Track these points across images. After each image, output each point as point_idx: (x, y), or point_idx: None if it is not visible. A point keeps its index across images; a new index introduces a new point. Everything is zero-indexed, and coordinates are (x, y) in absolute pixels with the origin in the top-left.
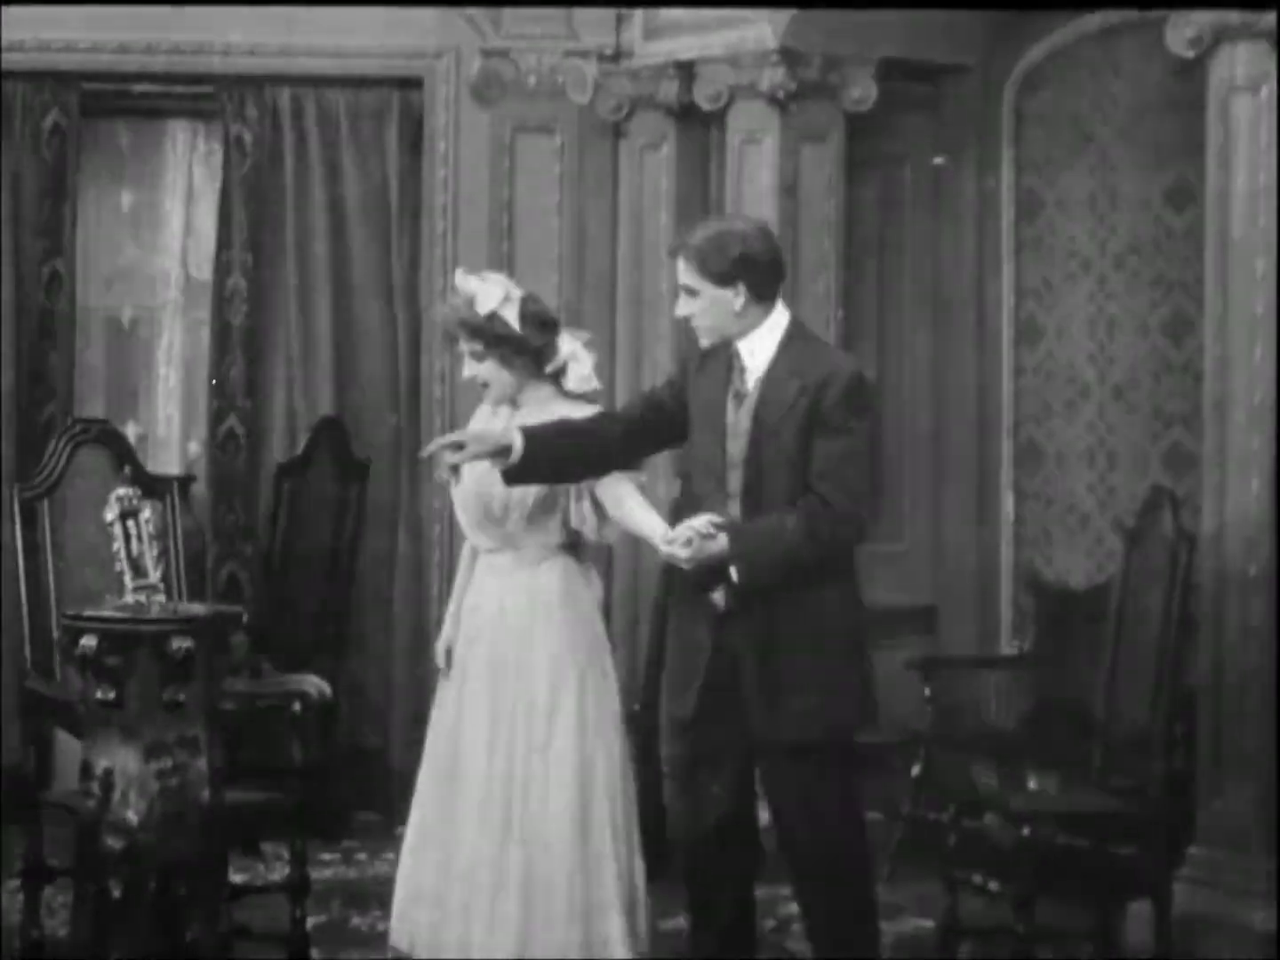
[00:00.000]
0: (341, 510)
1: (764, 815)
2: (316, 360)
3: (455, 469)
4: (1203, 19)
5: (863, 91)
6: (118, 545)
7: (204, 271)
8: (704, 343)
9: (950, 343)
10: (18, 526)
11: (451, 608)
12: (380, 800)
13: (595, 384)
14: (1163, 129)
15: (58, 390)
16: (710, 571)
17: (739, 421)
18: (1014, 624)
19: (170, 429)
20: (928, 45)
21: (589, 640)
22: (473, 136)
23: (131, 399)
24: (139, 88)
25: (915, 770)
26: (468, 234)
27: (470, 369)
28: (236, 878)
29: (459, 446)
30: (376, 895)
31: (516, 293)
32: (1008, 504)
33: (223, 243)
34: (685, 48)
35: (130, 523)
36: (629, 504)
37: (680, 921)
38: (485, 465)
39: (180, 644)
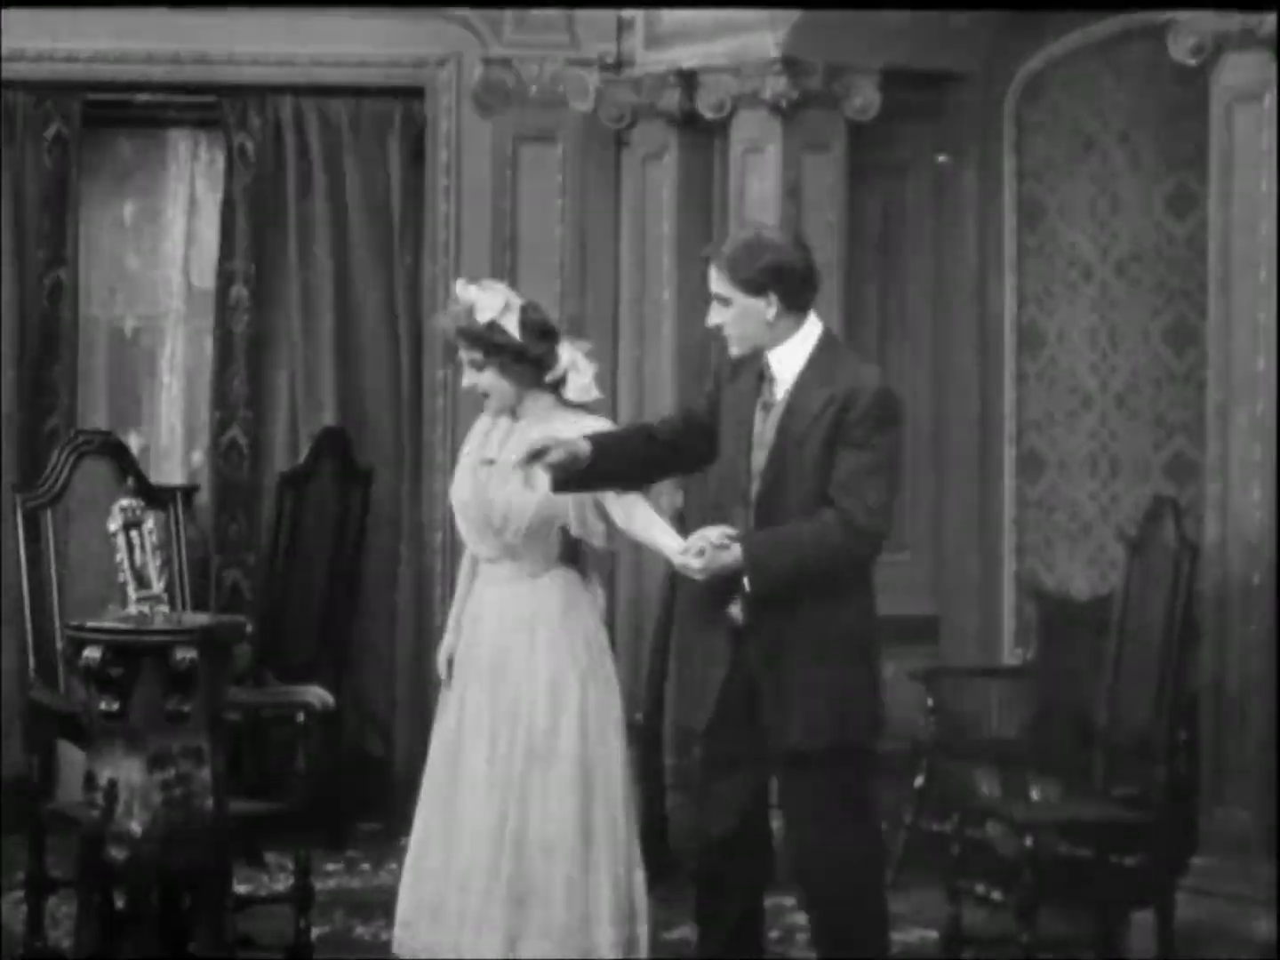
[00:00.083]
0: (344, 520)
1: (776, 825)
2: (319, 370)
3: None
4: (1205, 27)
5: (865, 100)
6: (121, 556)
7: (206, 281)
8: (734, 352)
9: (952, 350)
10: (21, 537)
11: (452, 617)
12: (384, 810)
13: (596, 394)
14: (1164, 136)
15: (61, 400)
16: (725, 583)
17: (765, 432)
18: (1016, 633)
19: (173, 439)
20: (930, 54)
21: (590, 650)
22: (475, 145)
23: (134, 408)
24: (141, 98)
25: (918, 780)
26: (470, 243)
27: (470, 378)
28: (240, 888)
29: (541, 453)
30: (380, 905)
31: (516, 301)
32: (1009, 512)
33: (225, 252)
34: (687, 56)
35: (134, 533)
36: (639, 515)
37: (684, 931)
38: (485, 473)
39: (184, 654)
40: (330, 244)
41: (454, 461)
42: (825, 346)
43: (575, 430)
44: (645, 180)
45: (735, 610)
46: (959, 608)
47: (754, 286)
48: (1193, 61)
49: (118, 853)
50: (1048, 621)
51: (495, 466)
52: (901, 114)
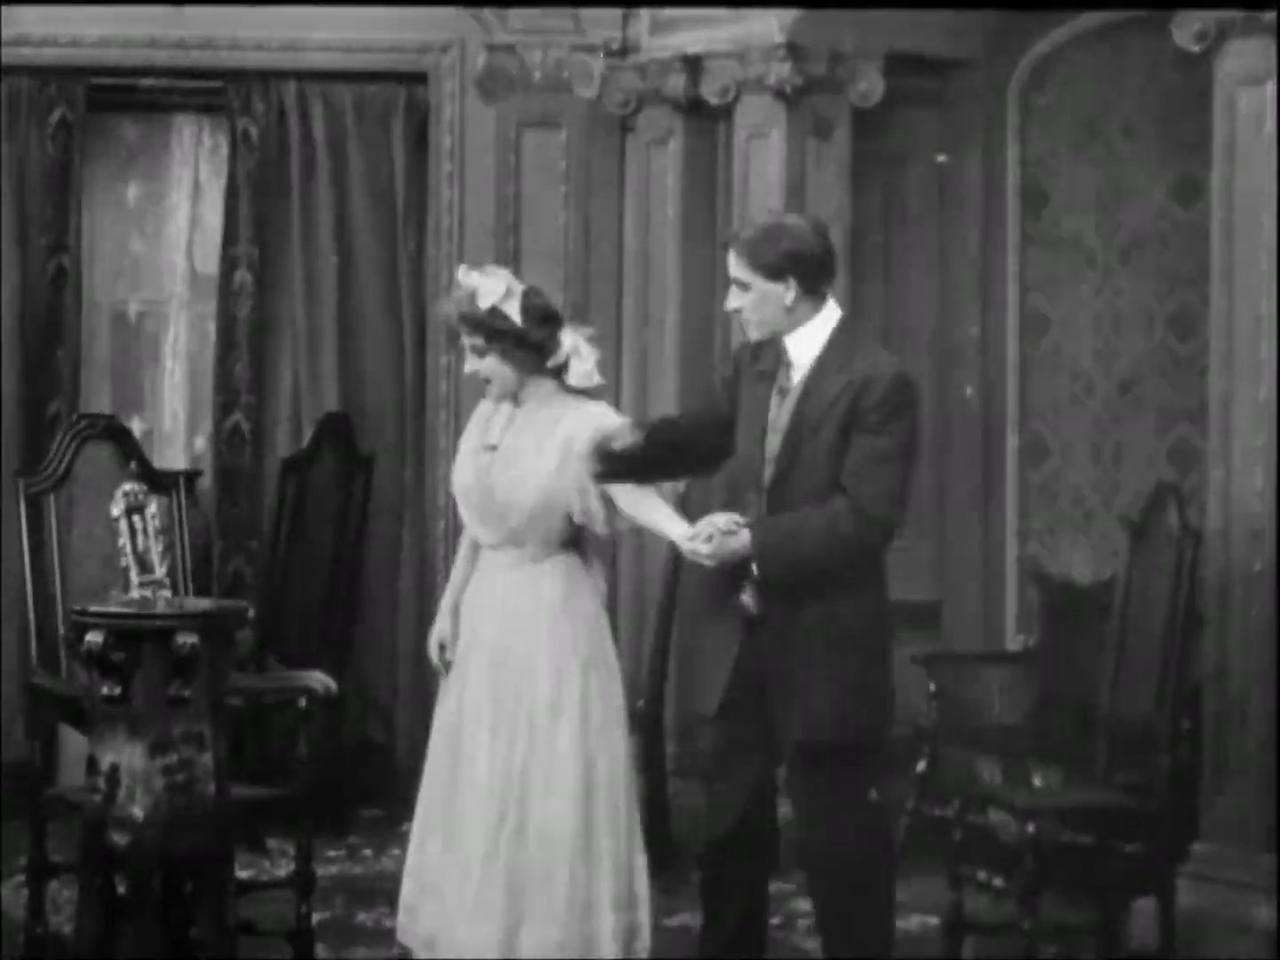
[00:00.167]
0: (347, 505)
1: (783, 811)
2: (322, 355)
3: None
4: (1208, 14)
5: (869, 86)
6: (123, 540)
7: (210, 266)
8: (753, 336)
9: (955, 336)
10: (23, 522)
11: (446, 600)
12: (386, 796)
13: (598, 379)
14: (1168, 124)
15: (63, 385)
16: (735, 571)
17: (780, 417)
18: (1018, 619)
19: (176, 424)
20: (934, 40)
21: (592, 637)
22: (479, 131)
23: (137, 393)
24: (145, 83)
25: (920, 766)
26: (473, 228)
27: (472, 364)
28: (242, 874)
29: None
30: (382, 891)
31: (518, 287)
32: (1012, 498)
33: (229, 237)
34: (692, 42)
35: (136, 518)
36: (646, 501)
37: (684, 919)
38: (488, 459)
39: (186, 639)
40: (334, 230)
41: (456, 448)
42: (843, 332)
43: (579, 416)
44: (650, 166)
45: (746, 598)
46: (961, 593)
47: (773, 271)
48: (1196, 48)
49: (119, 838)
50: (1050, 607)
51: (497, 452)
52: (905, 100)
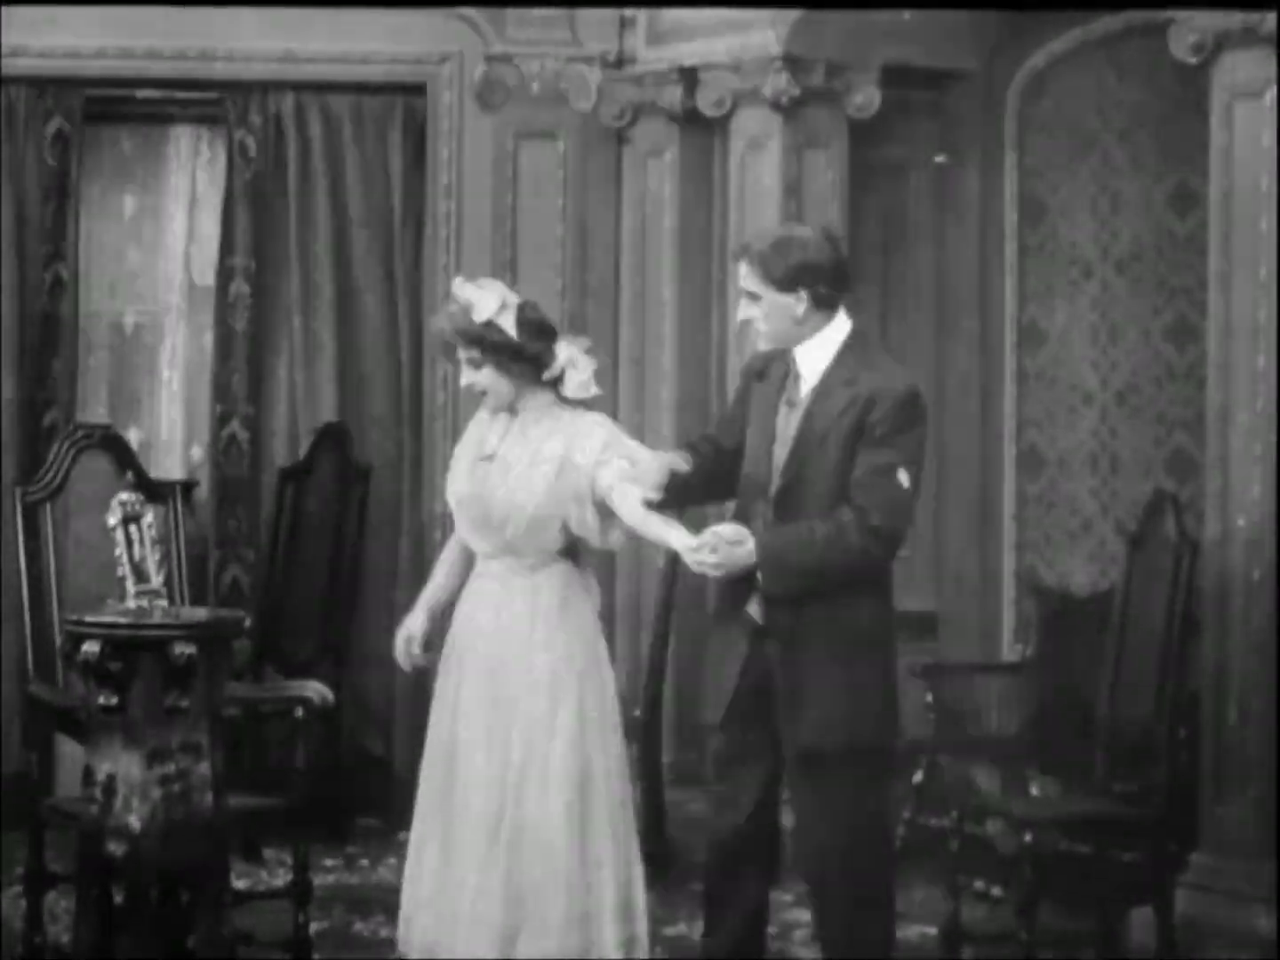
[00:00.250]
0: (344, 516)
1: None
2: (319, 366)
3: None
4: (1205, 25)
5: (866, 98)
6: (120, 550)
7: (207, 277)
8: (763, 347)
9: (953, 347)
10: (20, 531)
11: (422, 599)
12: (382, 806)
13: (594, 390)
14: (1165, 134)
15: (60, 395)
16: (743, 581)
17: (787, 428)
18: (1016, 629)
19: (173, 434)
20: (931, 51)
21: (588, 647)
22: (476, 142)
23: (134, 404)
24: (142, 93)
25: (917, 776)
26: (471, 240)
27: (468, 377)
28: (239, 883)
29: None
30: (379, 901)
31: (513, 299)
32: (1010, 508)
33: (226, 248)
34: (689, 54)
35: (132, 528)
36: (649, 513)
37: (682, 929)
38: (485, 469)
39: (182, 649)
40: (331, 240)
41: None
42: (853, 345)
43: (577, 427)
44: (646, 177)
45: (753, 609)
46: (959, 603)
47: (784, 283)
48: (1193, 60)
49: (116, 848)
50: (1048, 617)
51: (495, 462)
52: (902, 112)
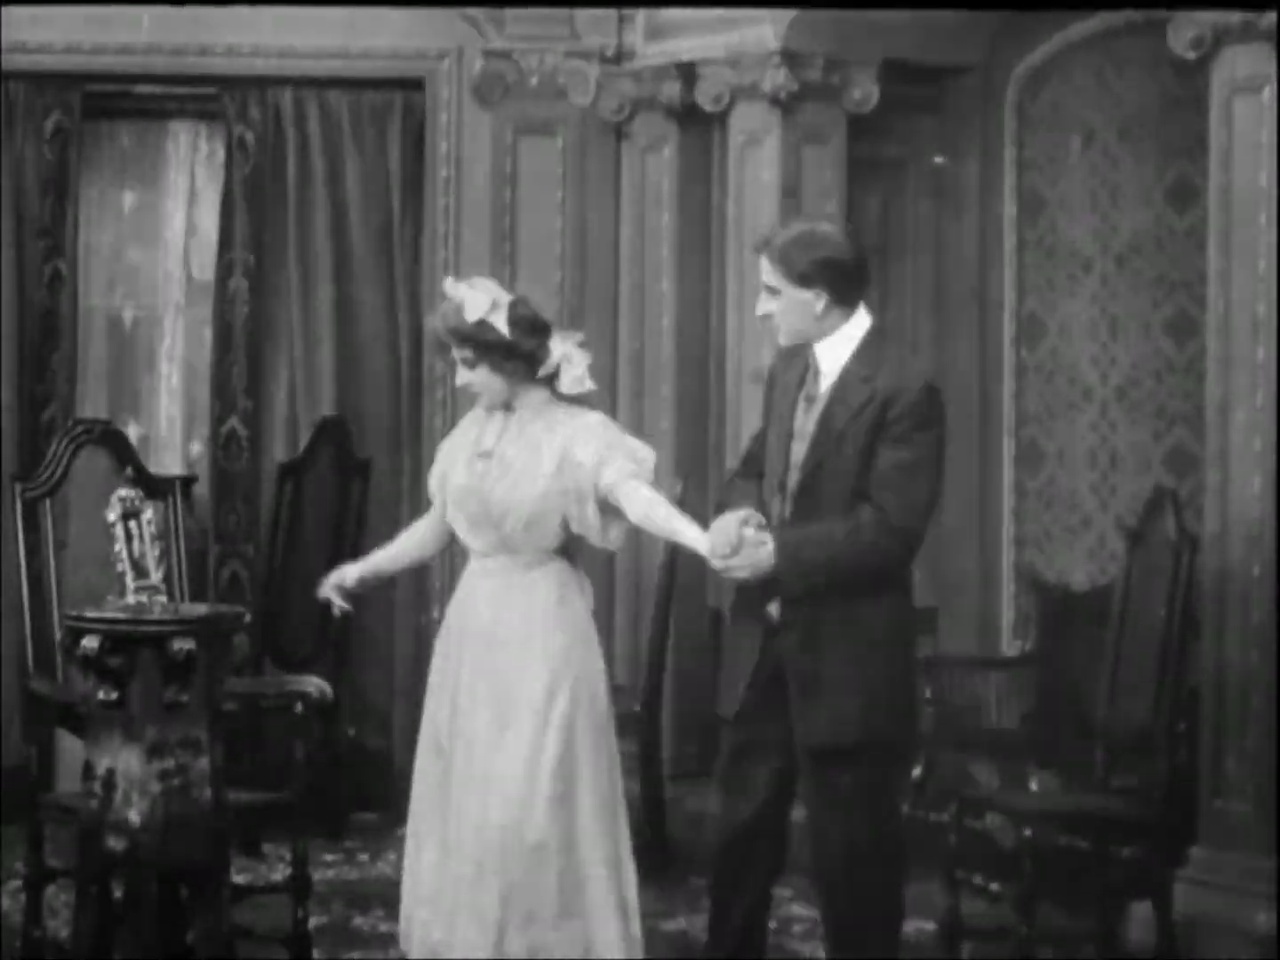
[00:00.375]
0: (343, 510)
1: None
2: (318, 360)
3: None
4: (1205, 20)
5: (864, 93)
6: (119, 546)
7: (206, 272)
8: (783, 342)
9: (952, 342)
10: (19, 527)
11: (372, 557)
12: (382, 801)
13: (589, 385)
14: (1164, 129)
15: (59, 390)
16: (764, 582)
17: (806, 424)
18: (1015, 624)
19: (172, 429)
20: (930, 46)
21: (582, 644)
22: (475, 138)
23: (133, 399)
24: (141, 89)
25: (916, 770)
26: (469, 234)
27: (463, 376)
28: (238, 878)
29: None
30: (378, 896)
31: (505, 298)
32: (1009, 503)
33: (225, 243)
34: (687, 49)
35: (132, 523)
36: (659, 509)
37: (682, 923)
38: (483, 466)
39: (182, 644)
40: (330, 235)
41: None
42: (872, 341)
43: (577, 428)
44: (645, 172)
45: (772, 607)
46: (958, 598)
47: (804, 279)
48: (1192, 55)
49: (116, 843)
50: (1047, 613)
51: (493, 459)
52: (901, 107)
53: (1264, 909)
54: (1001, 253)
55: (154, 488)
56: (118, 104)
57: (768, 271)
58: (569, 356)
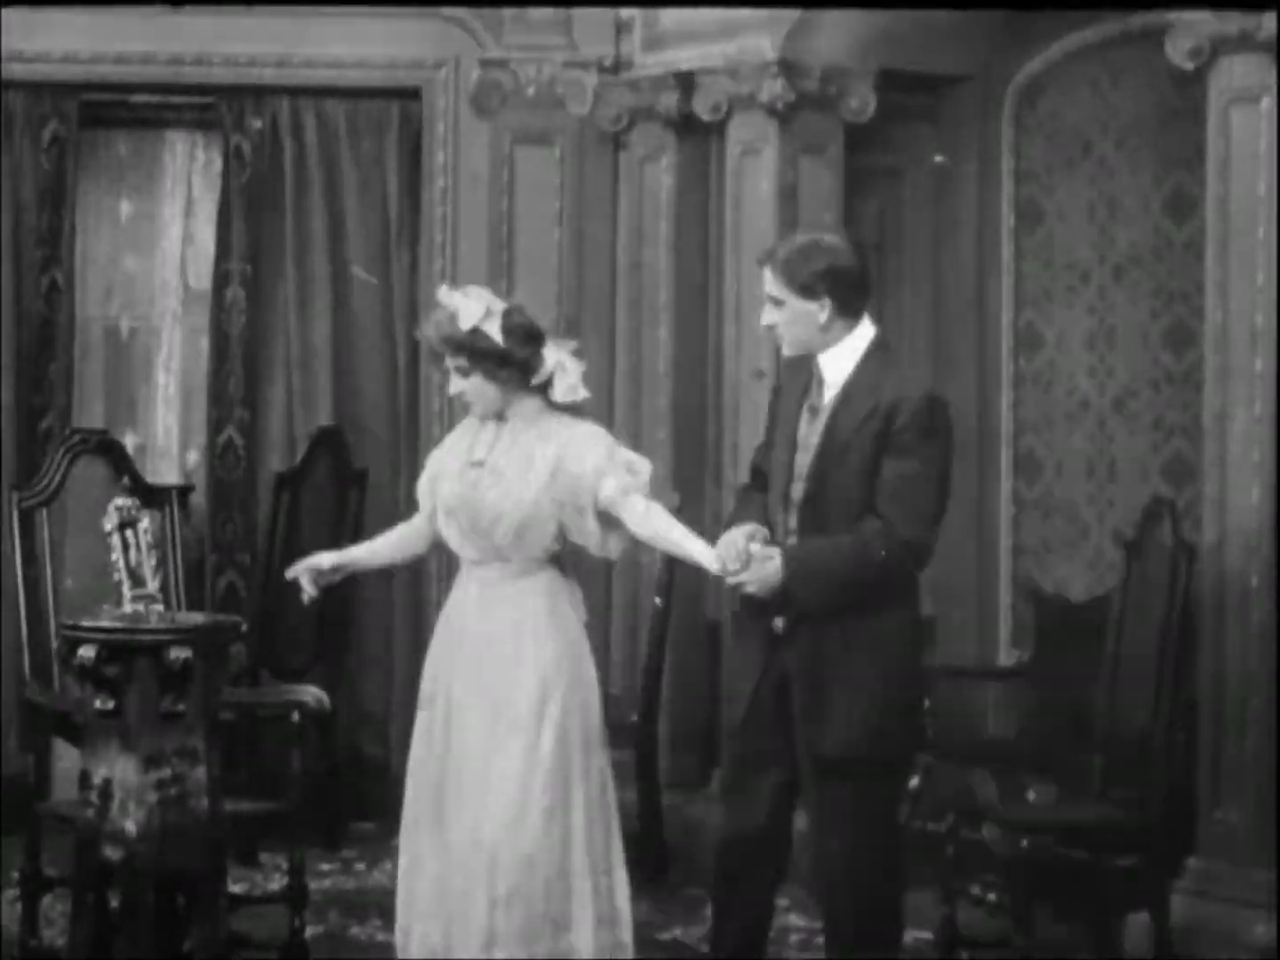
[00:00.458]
0: (340, 520)
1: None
2: (315, 370)
3: None
4: (1202, 30)
5: (862, 102)
6: (116, 555)
7: (203, 282)
8: (786, 353)
9: (949, 352)
10: (16, 536)
11: (353, 549)
12: (379, 810)
13: (583, 393)
14: (1162, 139)
15: (56, 400)
16: (771, 598)
17: (810, 435)
18: (1013, 634)
19: (169, 439)
20: (927, 56)
21: (574, 653)
22: (472, 147)
23: (130, 409)
24: (138, 98)
25: (914, 780)
26: (467, 244)
27: (456, 385)
28: (235, 887)
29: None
30: (375, 905)
31: (499, 306)
32: (1006, 514)
33: (222, 253)
34: (685, 59)
35: (129, 532)
36: (659, 521)
37: (678, 932)
38: (475, 475)
39: (179, 654)
40: (327, 245)
41: None
42: (876, 352)
43: (571, 437)
44: (642, 182)
45: (779, 621)
46: (956, 608)
47: (807, 290)
48: (1190, 65)
49: (112, 852)
50: (1045, 623)
51: (485, 468)
52: (899, 116)
53: (1262, 920)
54: (999, 263)
55: (151, 497)
56: (115, 113)
57: (771, 283)
58: (563, 365)
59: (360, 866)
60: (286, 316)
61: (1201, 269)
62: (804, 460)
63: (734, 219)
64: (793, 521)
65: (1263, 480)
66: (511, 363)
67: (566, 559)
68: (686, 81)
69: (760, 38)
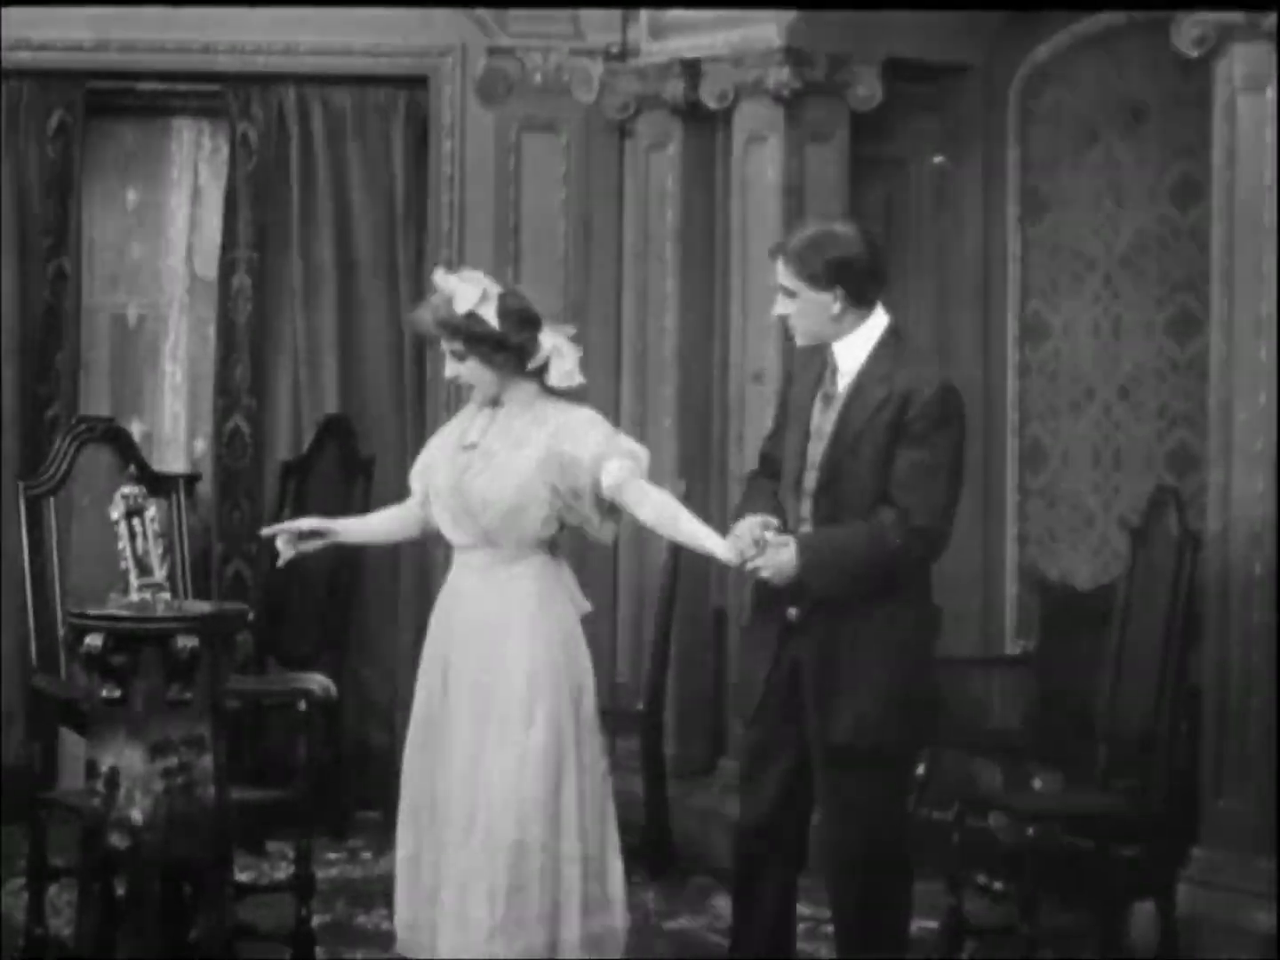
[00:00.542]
0: (347, 508)
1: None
2: (322, 358)
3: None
4: (1208, 19)
5: (868, 90)
6: (123, 543)
7: (209, 270)
8: (799, 343)
9: (955, 342)
10: (23, 524)
11: (348, 520)
12: (385, 799)
13: (579, 379)
14: (1168, 128)
15: (63, 388)
16: (788, 588)
17: (823, 423)
18: (1018, 624)
19: (176, 427)
20: (933, 45)
21: (566, 639)
22: (478, 135)
23: (137, 397)
24: (144, 86)
25: (919, 770)
26: (473, 232)
27: (452, 369)
28: (241, 876)
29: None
30: (381, 894)
31: (495, 289)
32: (1012, 502)
33: (228, 241)
34: (691, 47)
35: (135, 521)
36: (669, 510)
37: (684, 922)
38: (466, 458)
39: (185, 642)
40: (333, 233)
41: None
42: (889, 341)
43: (567, 423)
44: (648, 170)
45: (793, 610)
46: (961, 598)
47: (820, 281)
48: (1196, 53)
49: (119, 841)
50: (1050, 612)
51: (476, 451)
52: (904, 105)
53: (1265, 909)
54: (1005, 252)
55: (157, 485)
56: (121, 101)
57: (783, 274)
58: (559, 350)
59: (366, 855)
60: (293, 305)
61: (1207, 258)
62: (817, 448)
63: (740, 207)
64: (805, 509)
65: (1267, 469)
66: (507, 347)
67: (561, 545)
68: (692, 69)
69: (766, 26)
